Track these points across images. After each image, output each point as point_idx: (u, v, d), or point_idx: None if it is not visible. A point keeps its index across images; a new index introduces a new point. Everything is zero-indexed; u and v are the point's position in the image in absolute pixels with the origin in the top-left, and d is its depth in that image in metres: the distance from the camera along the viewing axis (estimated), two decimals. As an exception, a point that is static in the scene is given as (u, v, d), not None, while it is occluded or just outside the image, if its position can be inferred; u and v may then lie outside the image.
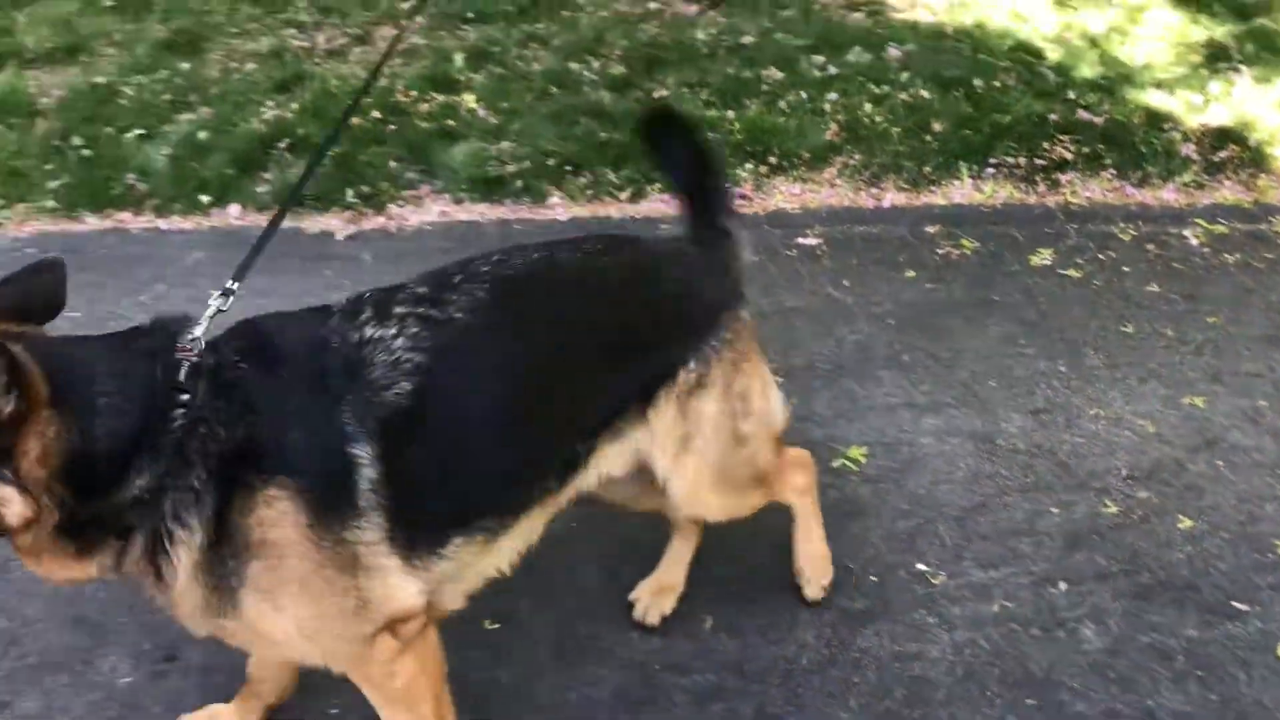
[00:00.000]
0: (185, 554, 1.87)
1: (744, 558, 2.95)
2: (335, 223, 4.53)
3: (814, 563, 2.86)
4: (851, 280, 4.14)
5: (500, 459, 2.14)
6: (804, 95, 5.20)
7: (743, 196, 4.61)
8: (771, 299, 3.98)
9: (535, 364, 2.18)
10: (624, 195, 4.65)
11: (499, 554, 2.24)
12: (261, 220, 4.52)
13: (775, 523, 2.85)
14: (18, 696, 2.60)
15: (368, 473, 1.95)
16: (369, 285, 3.93)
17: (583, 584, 2.89)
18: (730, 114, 5.08)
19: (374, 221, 4.55)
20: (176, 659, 2.68)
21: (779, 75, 5.37)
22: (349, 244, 4.42)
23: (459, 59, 5.59)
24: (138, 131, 4.97)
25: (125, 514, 1.84)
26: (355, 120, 5.02)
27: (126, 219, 4.54)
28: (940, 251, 4.34)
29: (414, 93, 5.30)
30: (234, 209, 4.58)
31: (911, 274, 4.21)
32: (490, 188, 4.69)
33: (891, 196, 4.69)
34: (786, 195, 4.67)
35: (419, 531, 2.04)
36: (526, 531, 2.28)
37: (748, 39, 5.74)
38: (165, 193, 4.61)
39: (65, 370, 1.79)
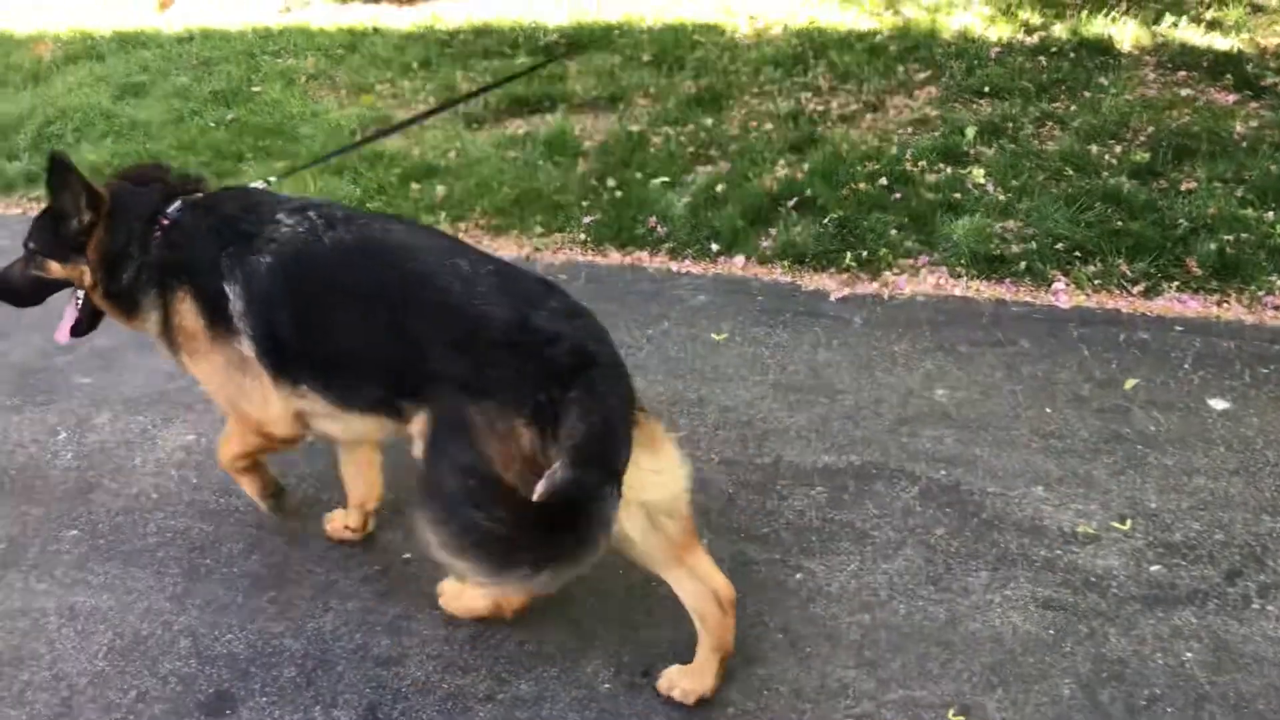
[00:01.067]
0: (151, 323, 2.98)
1: (1247, 708, 2.65)
2: (831, 283, 4.65)
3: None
4: None
5: (311, 343, 2.73)
6: (1366, 202, 4.64)
7: (1277, 307, 4.18)
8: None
9: (335, 304, 2.68)
10: (1136, 289, 4.37)
11: (339, 425, 2.88)
12: (763, 273, 4.75)
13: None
14: (516, 678, 2.89)
15: (236, 304, 2.76)
16: (855, 349, 4.06)
17: (1055, 696, 2.73)
18: (1270, 215, 4.63)
19: (868, 286, 4.61)
20: (650, 675, 2.85)
21: (1335, 178, 4.82)
22: (841, 305, 4.51)
23: (970, 132, 5.55)
24: (662, 179, 5.40)
25: (129, 292, 2.95)
26: (860, 185, 5.15)
27: (644, 258, 4.96)
28: None
29: (922, 163, 5.34)
30: (739, 260, 4.84)
31: None
32: (990, 265, 4.60)
33: None
34: (1332, 313, 4.17)
35: (278, 363, 2.78)
36: (359, 428, 2.88)
37: (1298, 134, 5.22)
38: (680, 237, 4.98)
39: (118, 200, 2.96)
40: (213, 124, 6.78)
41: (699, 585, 2.68)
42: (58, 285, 3.13)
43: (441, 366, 2.47)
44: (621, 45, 7.31)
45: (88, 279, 3.02)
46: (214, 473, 3.75)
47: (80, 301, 3.16)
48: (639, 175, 5.48)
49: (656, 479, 2.51)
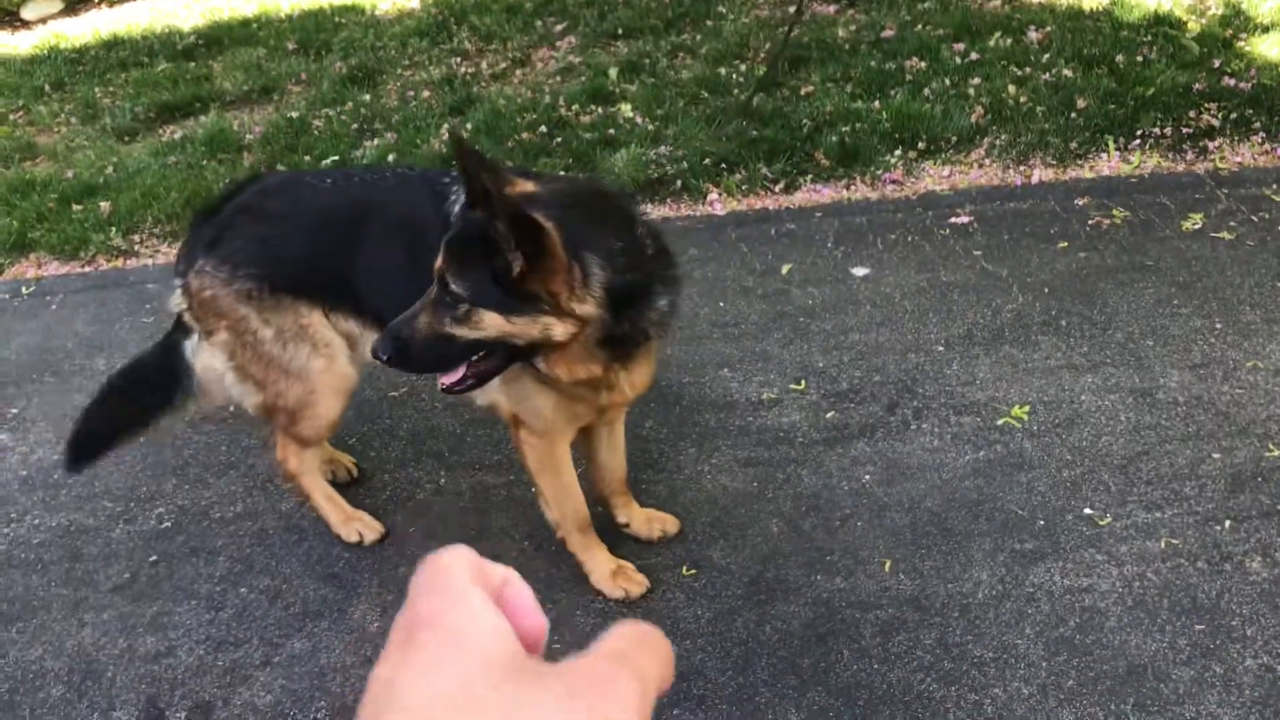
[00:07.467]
0: None
1: (918, 507, 3.19)
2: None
3: None
4: (1005, 254, 4.31)
5: None
6: (947, 82, 5.39)
7: (894, 181, 4.84)
8: (929, 275, 4.20)
9: None
10: (778, 188, 4.92)
11: None
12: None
13: (951, 478, 3.10)
14: (288, 639, 3.03)
15: None
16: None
17: (767, 534, 3.17)
18: (876, 104, 5.30)
19: (548, 226, 4.92)
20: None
21: (921, 65, 5.57)
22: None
23: (613, 73, 5.96)
24: (333, 158, 5.49)
25: None
26: (523, 135, 5.45)
27: (329, 237, 5.04)
28: (1091, 222, 4.46)
29: (575, 106, 5.69)
30: (423, 222, 5.03)
31: (1064, 245, 4.35)
32: (652, 188, 5.02)
33: (1040, 173, 4.84)
34: (936, 178, 4.86)
35: None
36: None
37: (888, 33, 5.95)
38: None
39: None
40: None
41: None
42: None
43: None
44: (264, 37, 7.25)
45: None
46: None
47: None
48: (308, 158, 5.53)
49: None
